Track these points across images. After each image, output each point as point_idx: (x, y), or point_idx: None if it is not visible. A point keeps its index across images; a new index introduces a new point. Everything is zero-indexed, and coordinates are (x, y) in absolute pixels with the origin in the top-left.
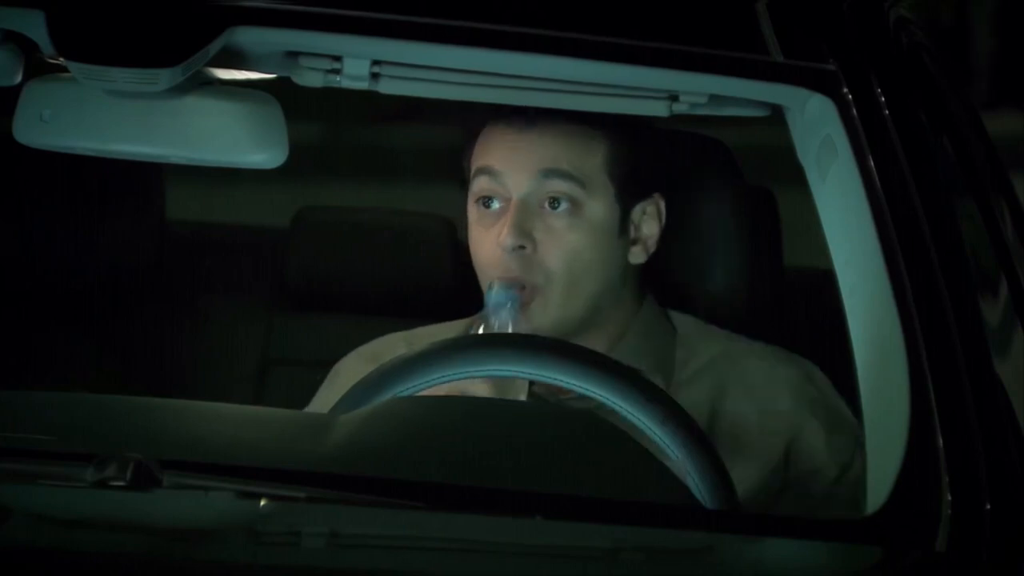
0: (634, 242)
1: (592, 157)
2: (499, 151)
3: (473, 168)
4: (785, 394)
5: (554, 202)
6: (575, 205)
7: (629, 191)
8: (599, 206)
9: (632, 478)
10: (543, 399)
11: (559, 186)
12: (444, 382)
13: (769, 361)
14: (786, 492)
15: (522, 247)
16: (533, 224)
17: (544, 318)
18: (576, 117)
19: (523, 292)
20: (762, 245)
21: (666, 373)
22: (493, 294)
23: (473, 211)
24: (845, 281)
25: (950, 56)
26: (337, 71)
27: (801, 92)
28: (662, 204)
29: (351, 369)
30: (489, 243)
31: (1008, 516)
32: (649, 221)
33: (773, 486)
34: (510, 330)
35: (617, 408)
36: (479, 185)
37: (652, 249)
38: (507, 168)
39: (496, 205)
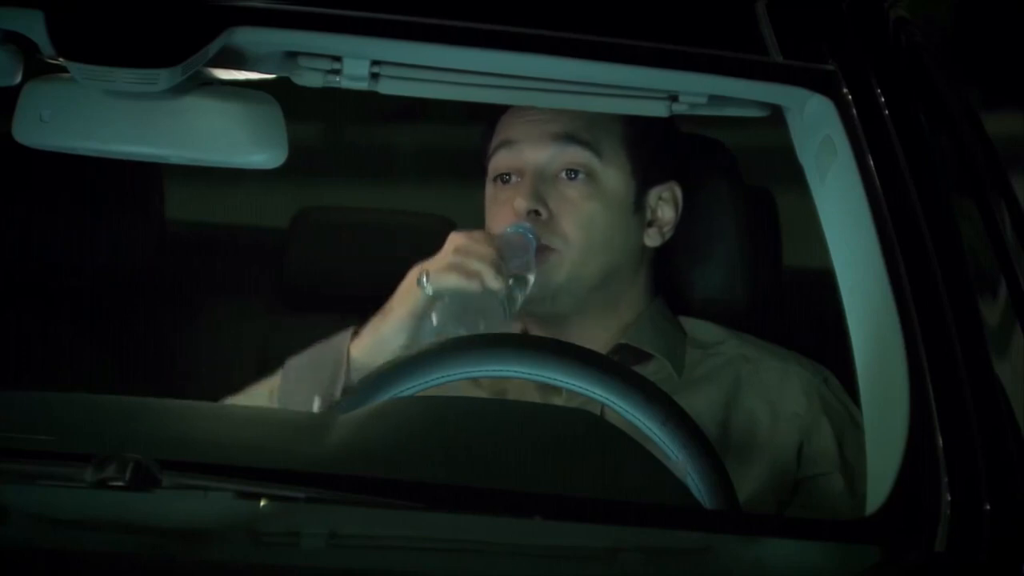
0: (650, 224)
1: (609, 131)
2: (517, 124)
3: (492, 147)
4: (800, 396)
5: (571, 172)
6: (591, 175)
7: (646, 171)
8: (615, 178)
9: (632, 478)
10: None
11: (575, 154)
12: (444, 382)
13: (785, 363)
14: (797, 493)
15: (537, 212)
16: (548, 192)
17: (558, 275)
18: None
19: (539, 249)
20: (762, 245)
21: (677, 366)
22: (510, 229)
23: (490, 189)
24: (845, 281)
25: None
26: (337, 71)
27: (801, 92)
28: (678, 192)
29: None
30: (504, 213)
31: (1008, 516)
32: (665, 206)
33: (784, 486)
34: (525, 262)
35: (617, 408)
36: (497, 160)
37: (668, 235)
38: (525, 138)
39: (514, 179)
